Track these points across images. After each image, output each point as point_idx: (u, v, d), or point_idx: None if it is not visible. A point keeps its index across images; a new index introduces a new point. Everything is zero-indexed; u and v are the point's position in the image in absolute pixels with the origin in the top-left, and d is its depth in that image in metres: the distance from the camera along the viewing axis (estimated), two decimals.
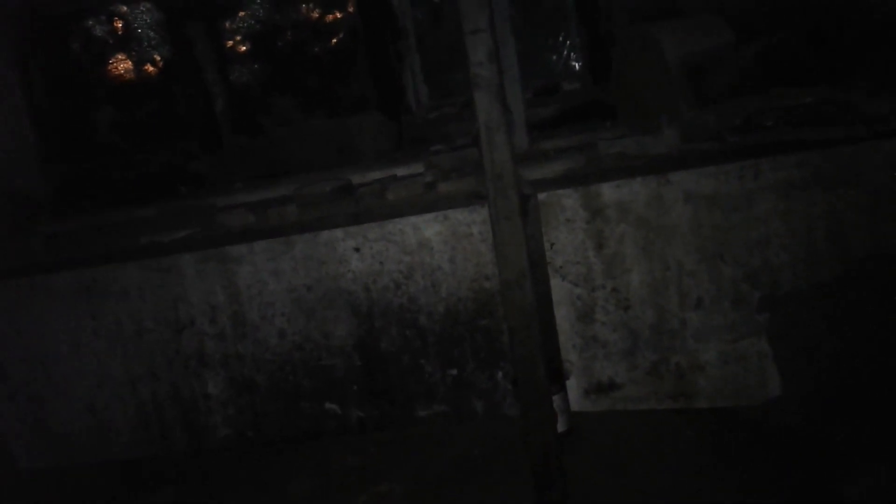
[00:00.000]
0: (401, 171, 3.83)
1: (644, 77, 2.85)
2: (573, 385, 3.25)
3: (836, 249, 2.94)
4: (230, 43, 4.14)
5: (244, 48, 4.10)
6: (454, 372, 3.35)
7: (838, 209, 2.91)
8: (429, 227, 3.25)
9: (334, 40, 4.02)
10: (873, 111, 2.54)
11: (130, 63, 4.14)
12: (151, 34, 4.07)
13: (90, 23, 4.10)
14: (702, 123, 2.74)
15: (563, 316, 3.22)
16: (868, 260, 2.91)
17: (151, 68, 4.14)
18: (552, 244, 3.14)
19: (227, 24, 4.09)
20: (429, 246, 3.27)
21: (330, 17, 4.01)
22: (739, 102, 2.75)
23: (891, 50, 2.69)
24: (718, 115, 2.69)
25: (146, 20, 4.06)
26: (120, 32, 4.11)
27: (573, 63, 3.81)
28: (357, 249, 3.32)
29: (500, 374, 3.32)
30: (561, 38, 3.78)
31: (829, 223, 2.93)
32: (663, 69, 2.72)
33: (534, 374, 2.41)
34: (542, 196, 3.13)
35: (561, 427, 3.05)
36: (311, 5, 4.00)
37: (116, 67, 4.13)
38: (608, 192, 3.07)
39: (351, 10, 3.93)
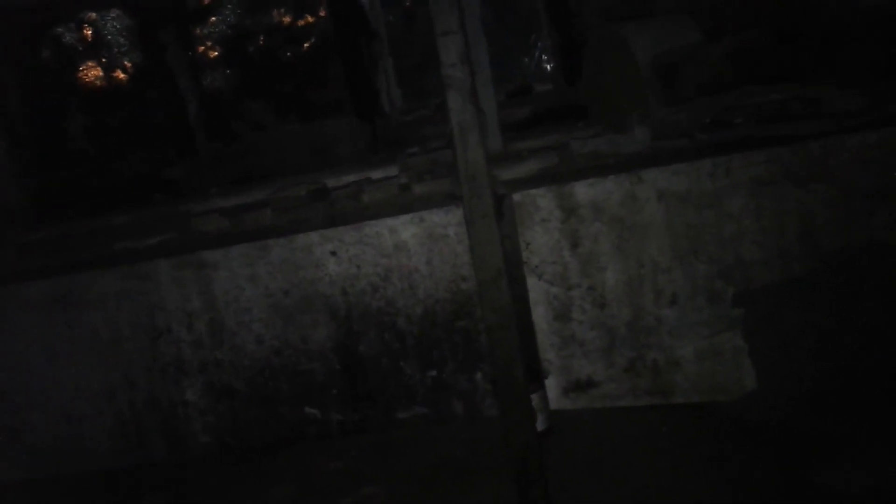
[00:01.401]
0: (376, 174, 3.83)
1: (615, 77, 2.88)
2: (552, 384, 3.27)
3: (807, 244, 2.98)
4: (202, 48, 4.12)
5: (216, 54, 4.09)
6: (433, 373, 3.36)
7: (809, 204, 2.95)
8: (405, 230, 3.26)
9: (307, 45, 4.02)
10: (840, 107, 2.58)
11: (101, 70, 4.11)
12: (122, 41, 4.05)
13: (60, 30, 4.07)
14: (672, 122, 2.77)
15: (540, 315, 3.23)
16: (839, 253, 2.95)
17: (122, 75, 4.12)
18: (528, 244, 3.16)
19: (199, 30, 4.07)
20: (405, 248, 3.28)
21: (301, 21, 4.01)
22: (709, 100, 2.78)
23: (858, 47, 2.74)
24: (689, 113, 2.73)
25: (116, 26, 4.04)
26: (90, 39, 4.08)
27: (545, 65, 3.84)
28: (334, 253, 3.32)
29: (479, 375, 3.33)
30: (533, 41, 3.80)
31: (800, 218, 2.97)
32: (633, 69, 2.75)
33: (512, 374, 2.42)
34: (516, 196, 3.15)
35: (540, 426, 3.07)
36: (282, 10, 4.00)
37: (87, 75, 4.10)
38: (582, 191, 3.09)
39: (323, 14, 3.94)
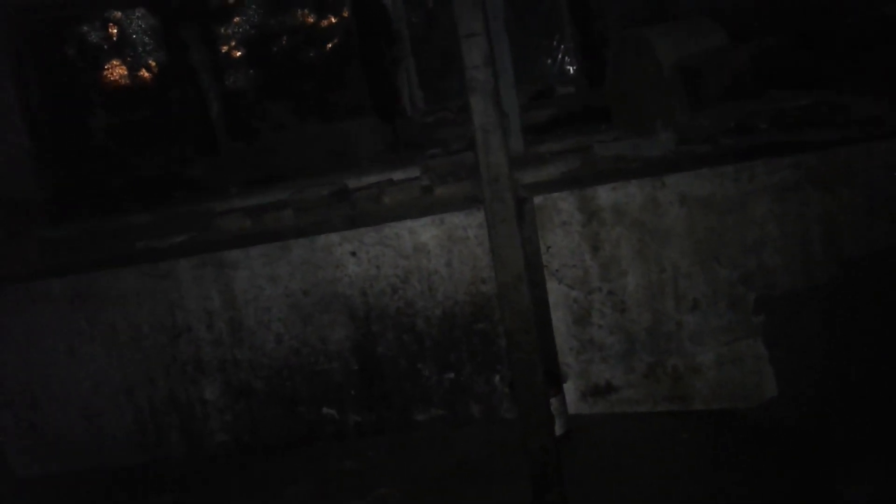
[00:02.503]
0: (397, 176, 3.83)
1: (638, 80, 2.86)
2: (570, 388, 3.26)
3: (830, 251, 2.95)
4: (225, 48, 4.15)
5: (239, 53, 4.11)
6: (451, 376, 3.35)
7: (833, 210, 2.92)
8: (425, 231, 3.25)
9: (329, 45, 4.03)
10: (866, 113, 2.55)
11: (125, 68, 4.14)
12: (146, 40, 4.07)
13: (85, 29, 4.10)
14: (696, 126, 2.75)
15: (559, 319, 3.22)
16: (863, 260, 2.92)
17: (146, 73, 4.14)
18: (548, 247, 3.15)
19: (223, 30, 4.09)
20: (425, 250, 3.27)
21: (325, 22, 4.02)
22: (734, 105, 2.76)
23: (883, 52, 2.71)
24: (713, 117, 2.70)
25: (141, 26, 4.07)
26: (115, 38, 4.11)
27: (568, 67, 3.83)
28: (354, 254, 3.32)
29: (497, 378, 3.32)
30: (555, 43, 3.79)
31: (823, 224, 2.93)
32: (657, 72, 2.73)
33: (532, 378, 2.41)
34: (538, 199, 3.14)
35: (558, 430, 3.05)
36: (305, 10, 4.01)
37: (111, 73, 4.13)
38: (604, 194, 3.07)
39: (346, 14, 3.94)
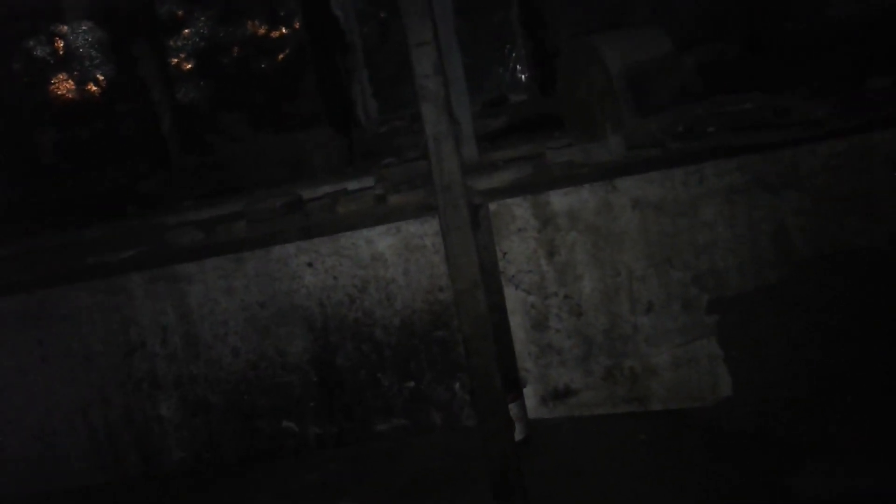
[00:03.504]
0: (352, 185, 3.82)
1: (588, 87, 2.91)
2: (530, 392, 3.28)
3: (780, 251, 3.01)
4: (175, 60, 4.10)
5: (190, 66, 4.06)
6: (412, 385, 3.35)
7: (781, 212, 2.98)
8: (381, 241, 3.26)
9: (281, 56, 4.01)
10: (808, 115, 2.62)
11: (73, 83, 4.07)
12: (94, 53, 4.01)
13: (31, 43, 4.03)
14: (645, 131, 2.80)
15: (518, 324, 3.24)
16: (813, 261, 2.98)
17: (95, 88, 4.08)
18: (504, 253, 3.17)
19: (172, 42, 4.05)
20: (382, 259, 3.27)
21: (276, 32, 4.00)
22: (681, 110, 2.82)
23: (826, 57, 2.78)
24: (661, 122, 2.76)
25: (88, 39, 4.00)
26: (62, 52, 4.04)
27: (520, 75, 3.87)
28: (310, 265, 3.31)
29: (457, 385, 3.33)
30: (508, 52, 3.83)
31: (772, 226, 3.00)
32: (605, 79, 2.78)
33: (490, 384, 2.43)
34: (493, 206, 3.16)
35: (519, 435, 3.07)
36: (256, 22, 3.98)
37: (59, 88, 4.06)
38: (557, 200, 3.10)
39: (297, 25, 3.93)
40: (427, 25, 2.18)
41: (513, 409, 3.03)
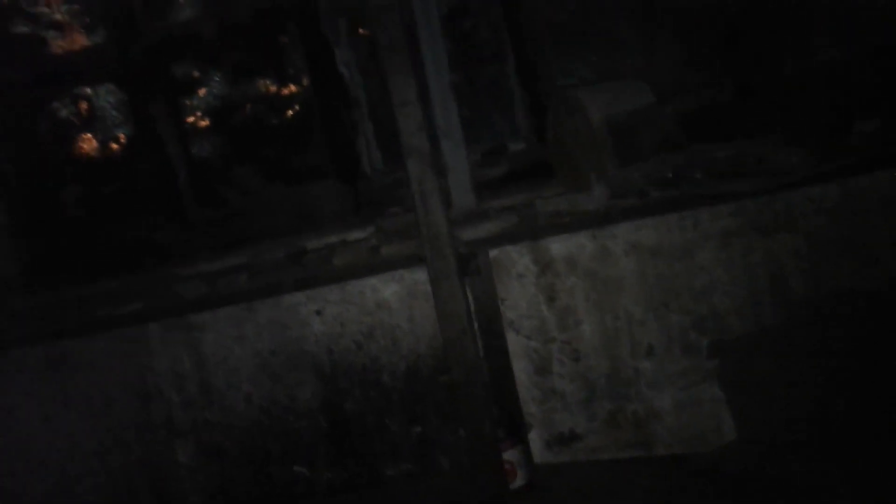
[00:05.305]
0: (356, 235, 3.86)
1: (574, 138, 2.99)
2: (535, 437, 3.30)
3: (777, 294, 3.02)
4: (191, 119, 4.28)
5: (205, 123, 4.25)
6: (419, 429, 3.40)
7: (777, 255, 3.00)
8: (386, 288, 3.34)
9: (290, 112, 4.17)
10: (782, 163, 2.66)
11: (95, 142, 4.28)
12: (115, 113, 4.22)
13: (56, 105, 4.26)
14: (627, 180, 2.87)
15: (520, 369, 3.28)
16: (810, 303, 2.99)
17: (115, 146, 4.27)
18: (503, 299, 3.22)
19: (188, 101, 4.24)
20: (387, 306, 3.35)
21: (285, 90, 4.17)
22: (662, 158, 2.89)
23: (810, 103, 2.83)
24: (642, 171, 2.83)
25: (109, 100, 4.22)
26: (84, 113, 4.26)
27: (519, 125, 3.97)
28: (318, 312, 3.40)
29: (462, 430, 3.36)
30: (506, 102, 3.93)
31: (769, 269, 3.01)
32: (589, 130, 2.86)
33: (481, 429, 2.48)
34: (493, 252, 3.22)
35: (521, 481, 3.09)
36: (267, 81, 4.16)
37: (82, 146, 4.26)
38: (555, 246, 3.16)
39: (305, 83, 4.10)
40: (411, 86, 2.29)
41: (514, 454, 3.06)
